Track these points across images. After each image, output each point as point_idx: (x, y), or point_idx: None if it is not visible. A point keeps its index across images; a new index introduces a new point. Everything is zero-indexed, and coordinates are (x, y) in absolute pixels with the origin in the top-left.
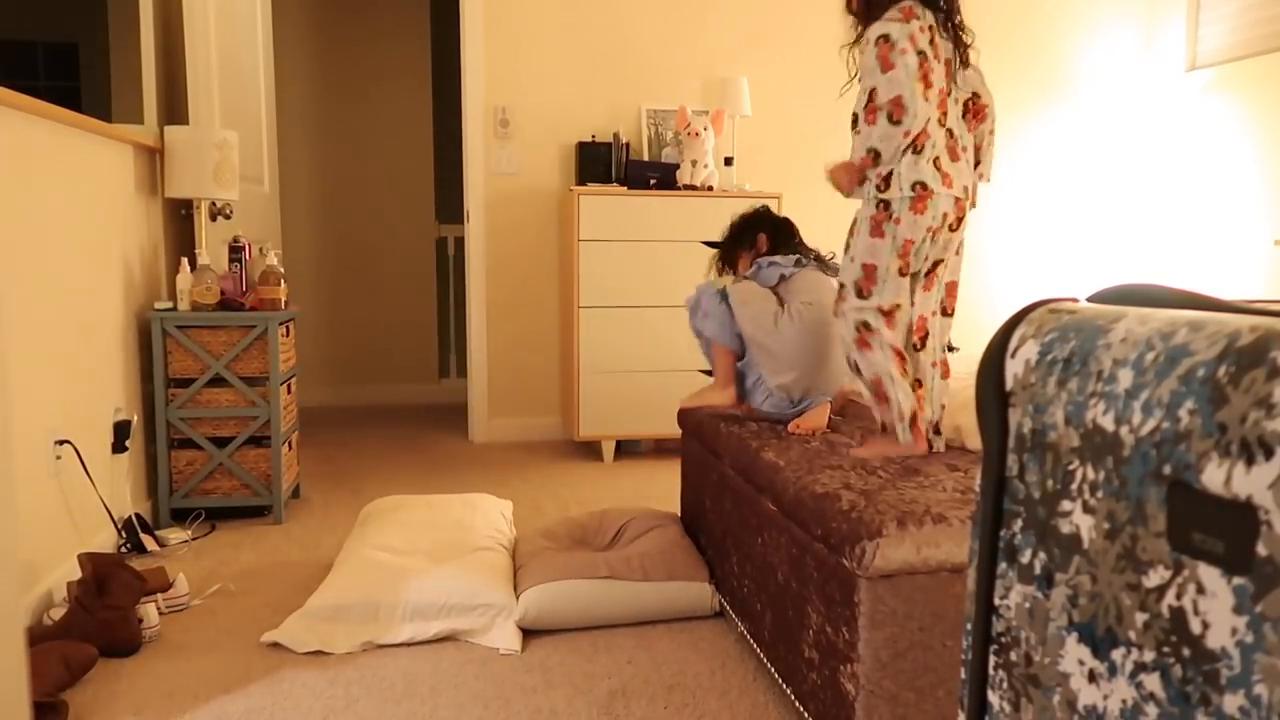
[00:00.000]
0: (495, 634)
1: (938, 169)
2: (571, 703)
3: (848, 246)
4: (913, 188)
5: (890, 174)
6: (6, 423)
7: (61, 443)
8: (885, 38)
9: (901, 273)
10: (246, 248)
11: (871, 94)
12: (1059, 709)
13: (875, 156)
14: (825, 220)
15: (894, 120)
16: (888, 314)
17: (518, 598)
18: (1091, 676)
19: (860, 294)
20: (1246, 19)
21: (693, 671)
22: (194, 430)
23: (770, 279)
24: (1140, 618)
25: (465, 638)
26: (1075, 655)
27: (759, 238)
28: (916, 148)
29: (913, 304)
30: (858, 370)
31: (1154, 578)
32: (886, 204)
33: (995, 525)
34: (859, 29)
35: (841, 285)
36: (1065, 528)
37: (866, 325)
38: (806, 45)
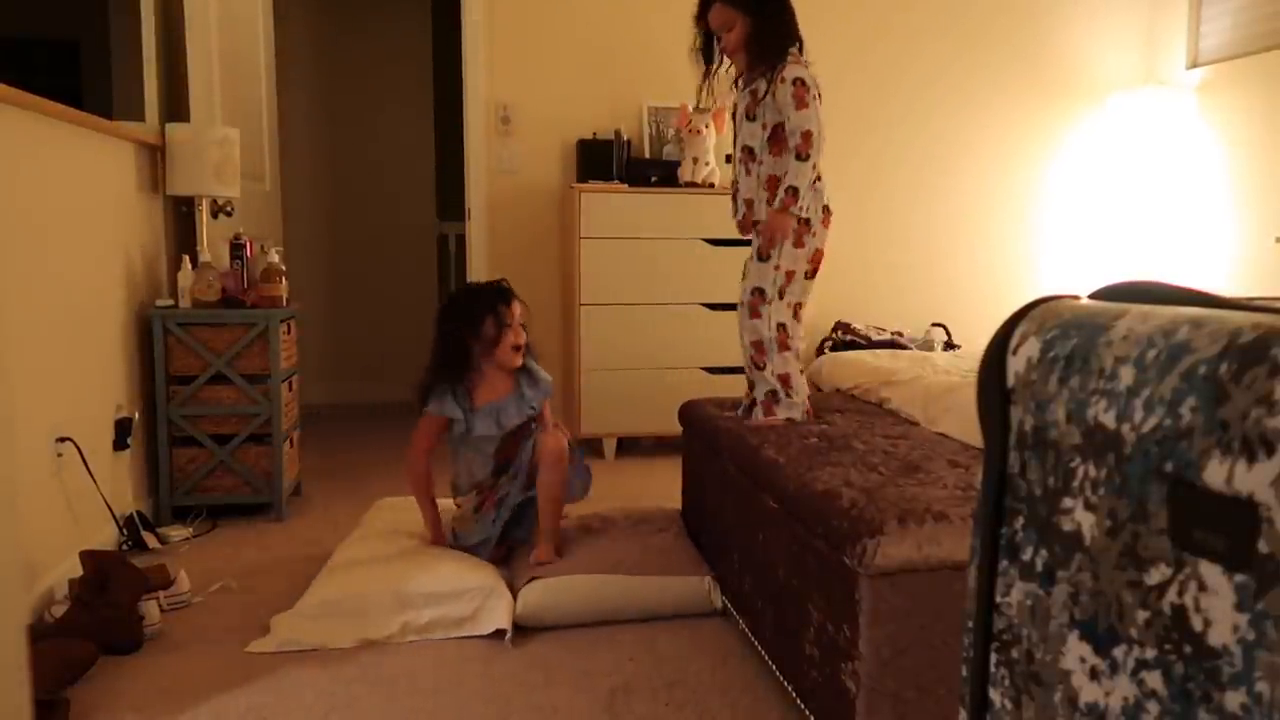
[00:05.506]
0: (486, 617)
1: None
2: (573, 700)
3: (762, 255)
4: (823, 210)
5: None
6: (8, 421)
7: (63, 440)
8: (801, 80)
9: (807, 275)
10: (248, 245)
11: (781, 129)
12: (1060, 706)
13: (794, 194)
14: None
15: (802, 157)
16: (795, 314)
17: (516, 594)
18: (1093, 674)
19: (781, 296)
20: (1247, 16)
21: (694, 669)
22: (195, 428)
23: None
24: (1141, 615)
25: (459, 629)
26: (1077, 652)
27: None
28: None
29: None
30: (758, 353)
31: (1155, 575)
32: (808, 221)
33: (996, 523)
34: (743, 71)
35: (761, 290)
36: (1066, 525)
37: (783, 326)
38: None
